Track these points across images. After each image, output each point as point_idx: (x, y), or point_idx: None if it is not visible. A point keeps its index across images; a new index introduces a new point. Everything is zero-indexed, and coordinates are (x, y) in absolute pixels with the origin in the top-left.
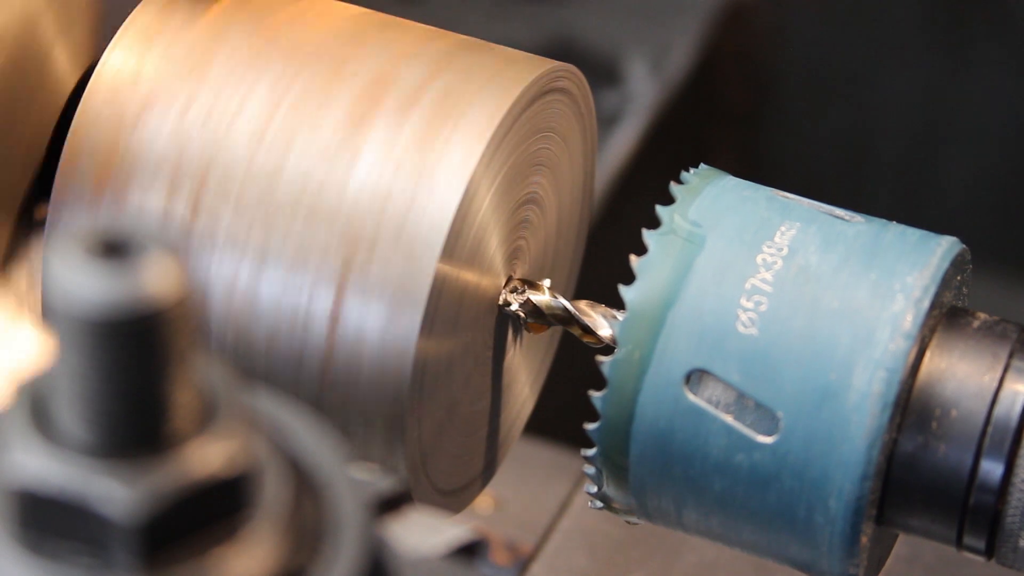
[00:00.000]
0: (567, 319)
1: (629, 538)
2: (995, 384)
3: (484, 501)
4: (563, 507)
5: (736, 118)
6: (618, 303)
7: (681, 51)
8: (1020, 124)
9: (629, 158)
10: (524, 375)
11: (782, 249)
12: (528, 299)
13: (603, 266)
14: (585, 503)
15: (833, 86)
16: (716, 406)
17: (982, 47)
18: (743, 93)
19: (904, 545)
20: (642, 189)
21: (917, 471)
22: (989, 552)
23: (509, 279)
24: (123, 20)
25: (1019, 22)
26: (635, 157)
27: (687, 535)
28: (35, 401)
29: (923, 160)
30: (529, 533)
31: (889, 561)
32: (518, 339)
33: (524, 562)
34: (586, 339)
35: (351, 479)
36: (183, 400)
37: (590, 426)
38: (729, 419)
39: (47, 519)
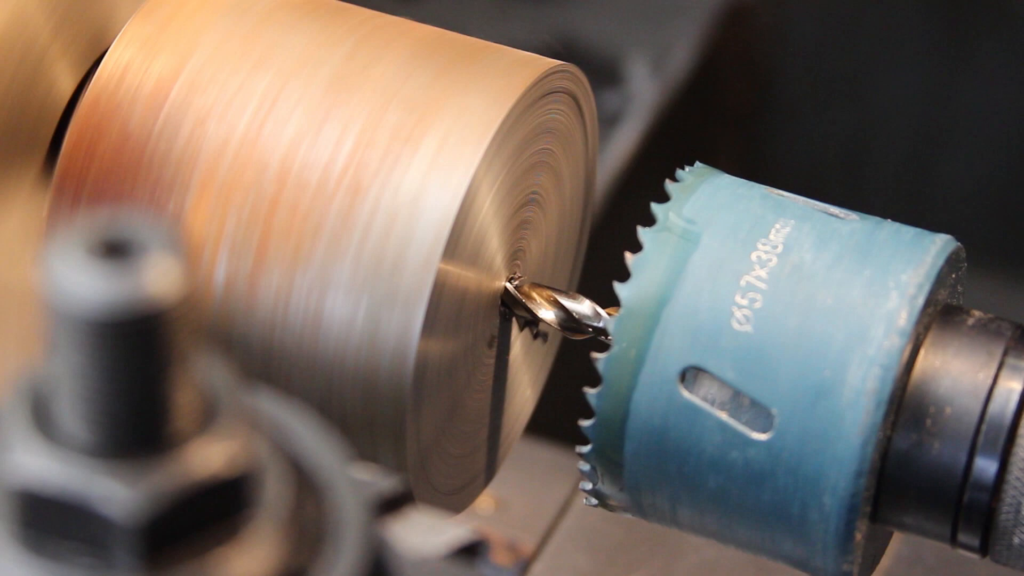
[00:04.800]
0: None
1: (630, 538)
2: (989, 381)
3: (485, 501)
4: (564, 507)
5: (737, 118)
6: (617, 301)
7: (682, 51)
8: (1020, 124)
9: (630, 158)
10: (525, 375)
11: (777, 247)
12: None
13: (604, 266)
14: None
15: (833, 86)
16: (711, 403)
17: (982, 47)
18: (744, 93)
19: (905, 545)
20: (643, 189)
21: (911, 468)
22: (983, 549)
23: (511, 279)
24: (125, 16)
25: (1019, 22)
26: (636, 157)
27: (688, 534)
28: (36, 401)
29: (923, 160)
30: (530, 533)
31: (890, 561)
32: (519, 339)
33: (525, 562)
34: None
35: (352, 479)
36: (184, 400)
37: (585, 423)
38: (724, 416)
39: (48, 519)
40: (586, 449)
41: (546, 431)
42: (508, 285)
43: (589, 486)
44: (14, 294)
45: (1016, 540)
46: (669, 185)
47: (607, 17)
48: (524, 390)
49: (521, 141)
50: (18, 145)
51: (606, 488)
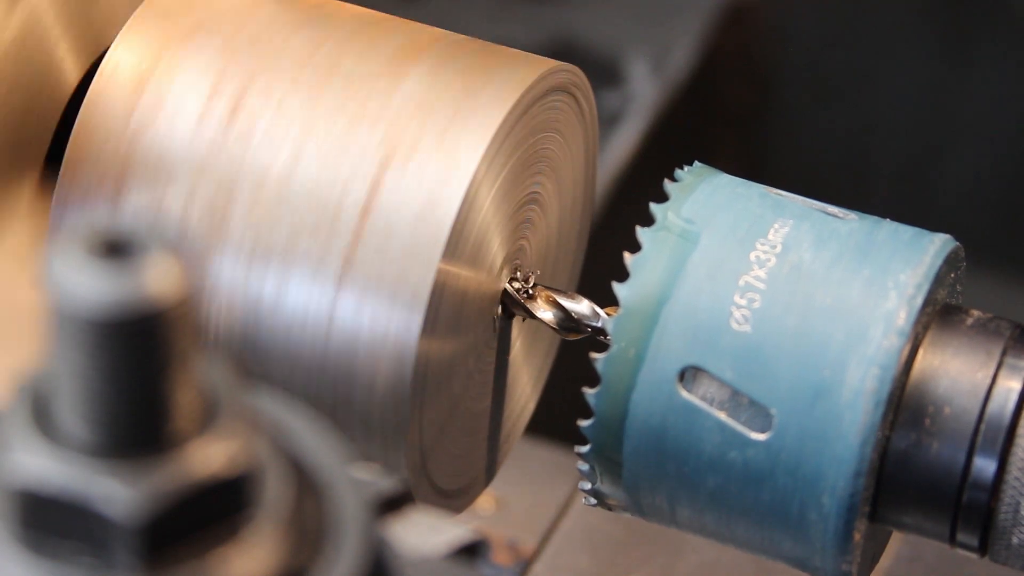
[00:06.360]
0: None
1: (630, 538)
2: (988, 381)
3: (485, 501)
4: (564, 507)
5: (737, 118)
6: (616, 301)
7: (682, 51)
8: (1020, 124)
9: (630, 158)
10: (526, 375)
11: (775, 246)
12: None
13: (604, 266)
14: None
15: (834, 86)
16: (710, 403)
17: (983, 46)
18: (744, 93)
19: (905, 544)
20: (643, 189)
21: (910, 468)
22: (982, 549)
23: (511, 279)
24: (127, 16)
25: (1019, 22)
26: (636, 157)
27: (687, 534)
28: (37, 401)
29: (924, 159)
30: (530, 533)
31: (890, 560)
32: (519, 339)
33: (525, 562)
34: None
35: (353, 479)
36: (185, 400)
37: (583, 423)
38: (722, 416)
39: (48, 519)
40: (585, 449)
41: (546, 431)
42: (508, 285)
43: (588, 486)
44: (17, 311)
45: (1015, 539)
46: (668, 185)
47: (607, 17)
48: (525, 390)
49: (522, 141)
50: (22, 151)
51: (605, 488)
